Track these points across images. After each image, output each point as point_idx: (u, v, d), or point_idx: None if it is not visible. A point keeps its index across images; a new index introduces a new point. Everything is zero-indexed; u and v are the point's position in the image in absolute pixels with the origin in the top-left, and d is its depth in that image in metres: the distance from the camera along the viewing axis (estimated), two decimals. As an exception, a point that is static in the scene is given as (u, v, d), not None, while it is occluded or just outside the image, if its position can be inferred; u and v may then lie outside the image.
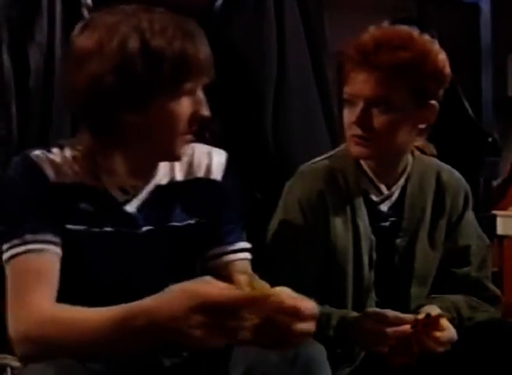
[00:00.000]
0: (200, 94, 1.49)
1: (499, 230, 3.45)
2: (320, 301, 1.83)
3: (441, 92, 1.84)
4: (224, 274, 1.55)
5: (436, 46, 1.82)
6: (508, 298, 2.32)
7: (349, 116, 1.81)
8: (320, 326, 1.74)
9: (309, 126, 2.52)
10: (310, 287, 1.84)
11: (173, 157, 1.53)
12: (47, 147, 1.52)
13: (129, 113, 1.45)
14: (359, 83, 1.77)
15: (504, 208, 3.60)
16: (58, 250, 1.45)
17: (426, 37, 1.81)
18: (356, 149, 1.81)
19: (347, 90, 1.80)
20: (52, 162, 1.48)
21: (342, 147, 1.94)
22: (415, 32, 1.81)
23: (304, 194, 1.86)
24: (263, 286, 1.28)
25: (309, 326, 1.30)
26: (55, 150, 1.51)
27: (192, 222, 1.58)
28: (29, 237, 1.43)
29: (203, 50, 1.46)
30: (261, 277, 1.63)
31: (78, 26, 1.47)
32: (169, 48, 1.42)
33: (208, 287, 1.25)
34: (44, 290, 1.41)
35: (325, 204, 1.85)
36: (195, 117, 1.49)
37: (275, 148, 2.46)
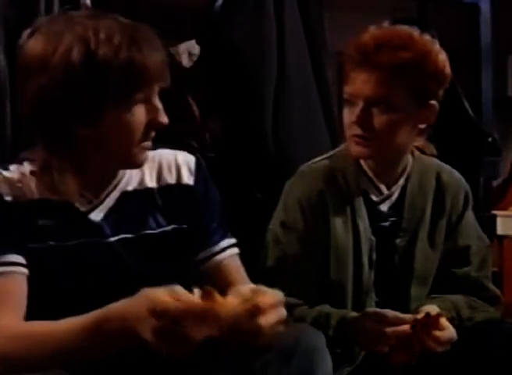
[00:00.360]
0: (155, 100, 1.46)
1: (499, 230, 3.45)
2: (320, 301, 1.84)
3: (441, 92, 1.84)
4: (217, 276, 1.55)
5: (437, 46, 1.81)
6: (508, 298, 2.31)
7: (349, 115, 1.80)
8: (319, 325, 1.76)
9: (309, 126, 2.52)
10: (310, 287, 1.84)
11: (133, 165, 1.51)
12: (5, 164, 1.49)
13: (81, 127, 1.41)
14: (359, 83, 1.77)
15: (504, 208, 3.60)
16: (24, 270, 1.43)
17: (427, 37, 1.81)
18: (356, 149, 1.81)
19: (347, 89, 1.80)
20: (9, 181, 1.46)
21: (342, 147, 1.94)
22: (416, 32, 1.81)
23: (304, 194, 1.85)
24: (222, 299, 1.26)
25: (274, 315, 1.28)
26: (13, 167, 1.48)
27: (168, 229, 1.55)
28: None
29: (152, 57, 1.41)
30: (262, 277, 1.64)
31: (26, 33, 1.44)
32: (115, 59, 1.38)
33: (165, 293, 1.25)
34: (12, 311, 1.39)
35: (325, 204, 1.85)
36: (152, 125, 1.46)
37: (275, 148, 2.45)
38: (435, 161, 2.01)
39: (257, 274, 1.64)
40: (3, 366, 1.32)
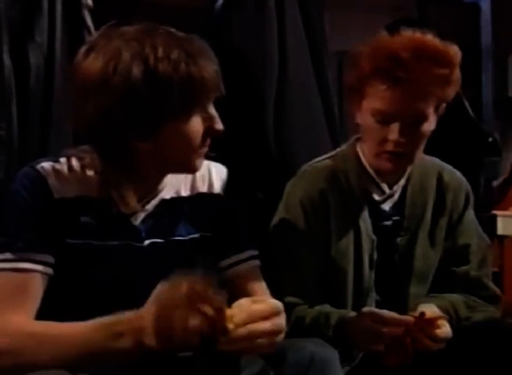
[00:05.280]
0: (211, 109, 1.48)
1: (500, 230, 3.45)
2: (320, 300, 1.84)
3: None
4: (236, 284, 1.57)
5: (459, 56, 1.79)
6: (508, 297, 2.32)
7: (381, 132, 1.78)
8: (319, 325, 1.76)
9: (310, 126, 2.52)
10: (310, 287, 1.85)
11: (190, 171, 1.54)
12: (54, 157, 1.51)
13: (141, 142, 1.44)
14: (394, 102, 1.74)
15: (504, 208, 3.60)
16: (47, 270, 1.44)
17: (455, 48, 1.79)
18: (388, 165, 1.81)
19: (378, 106, 1.76)
20: (58, 175, 1.47)
21: (343, 146, 1.94)
22: (450, 46, 1.77)
23: (306, 194, 1.86)
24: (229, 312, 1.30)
25: (267, 324, 1.29)
26: (63, 160, 1.50)
27: (196, 236, 1.58)
28: (23, 254, 1.42)
29: (208, 68, 1.43)
30: (263, 277, 1.64)
31: (81, 51, 1.44)
32: (175, 74, 1.39)
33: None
34: (23, 308, 1.40)
35: (327, 203, 1.86)
36: (208, 133, 1.48)
37: (277, 148, 2.46)
38: (437, 161, 2.01)
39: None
40: (9, 360, 1.33)
